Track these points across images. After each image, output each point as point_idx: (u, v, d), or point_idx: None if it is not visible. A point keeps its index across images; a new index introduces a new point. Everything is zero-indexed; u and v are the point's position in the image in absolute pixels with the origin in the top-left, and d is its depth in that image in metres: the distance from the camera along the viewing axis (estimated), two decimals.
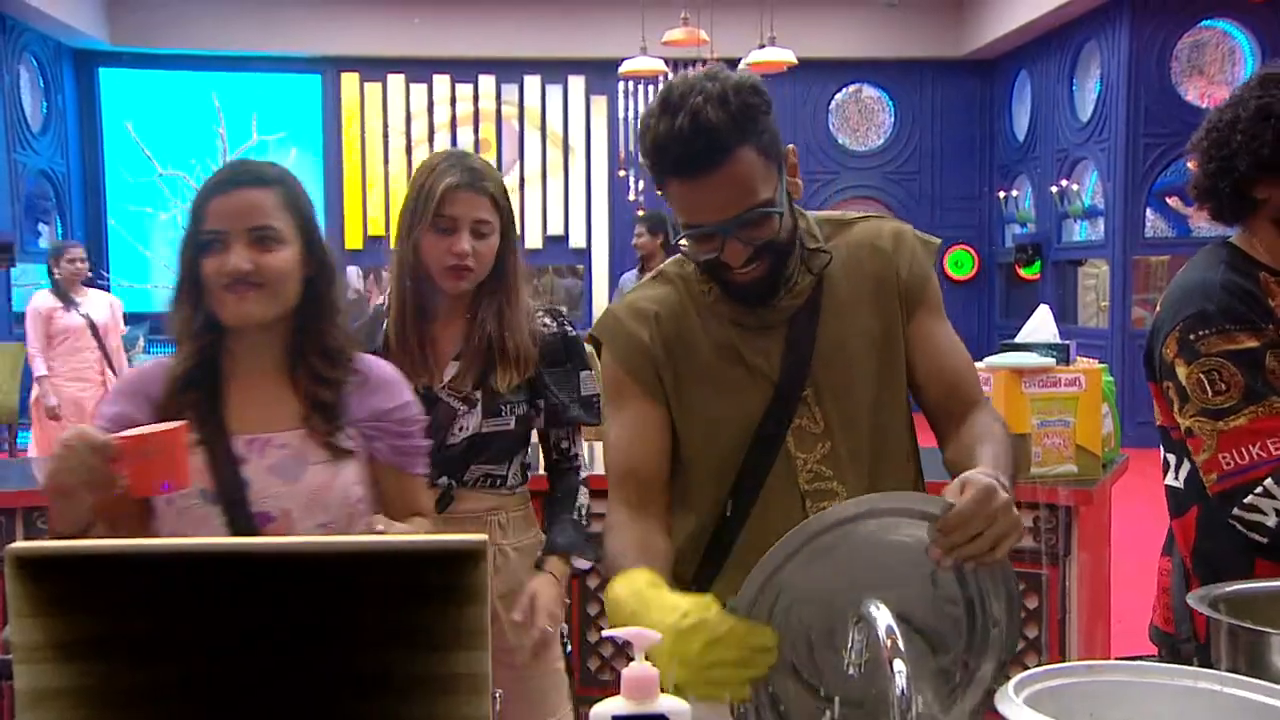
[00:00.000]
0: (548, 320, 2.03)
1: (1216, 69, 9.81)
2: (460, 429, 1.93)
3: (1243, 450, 1.56)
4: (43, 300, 6.44)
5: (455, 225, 1.90)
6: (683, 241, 1.46)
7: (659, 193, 1.48)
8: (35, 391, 6.39)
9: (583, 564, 2.01)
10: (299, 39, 11.59)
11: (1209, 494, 1.61)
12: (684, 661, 1.12)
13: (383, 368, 1.67)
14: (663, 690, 0.90)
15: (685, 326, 1.54)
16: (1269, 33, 9.42)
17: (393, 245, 2.00)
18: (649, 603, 1.23)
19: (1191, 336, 1.62)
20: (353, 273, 12.09)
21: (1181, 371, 1.63)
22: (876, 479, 1.54)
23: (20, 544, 0.79)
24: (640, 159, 1.46)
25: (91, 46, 11.35)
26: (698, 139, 1.35)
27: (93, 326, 6.44)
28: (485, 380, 1.93)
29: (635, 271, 5.99)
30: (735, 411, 1.52)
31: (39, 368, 6.29)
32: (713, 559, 1.55)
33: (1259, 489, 1.55)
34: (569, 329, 2.04)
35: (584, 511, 2.04)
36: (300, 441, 1.57)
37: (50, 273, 6.43)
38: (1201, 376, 1.60)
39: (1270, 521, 1.54)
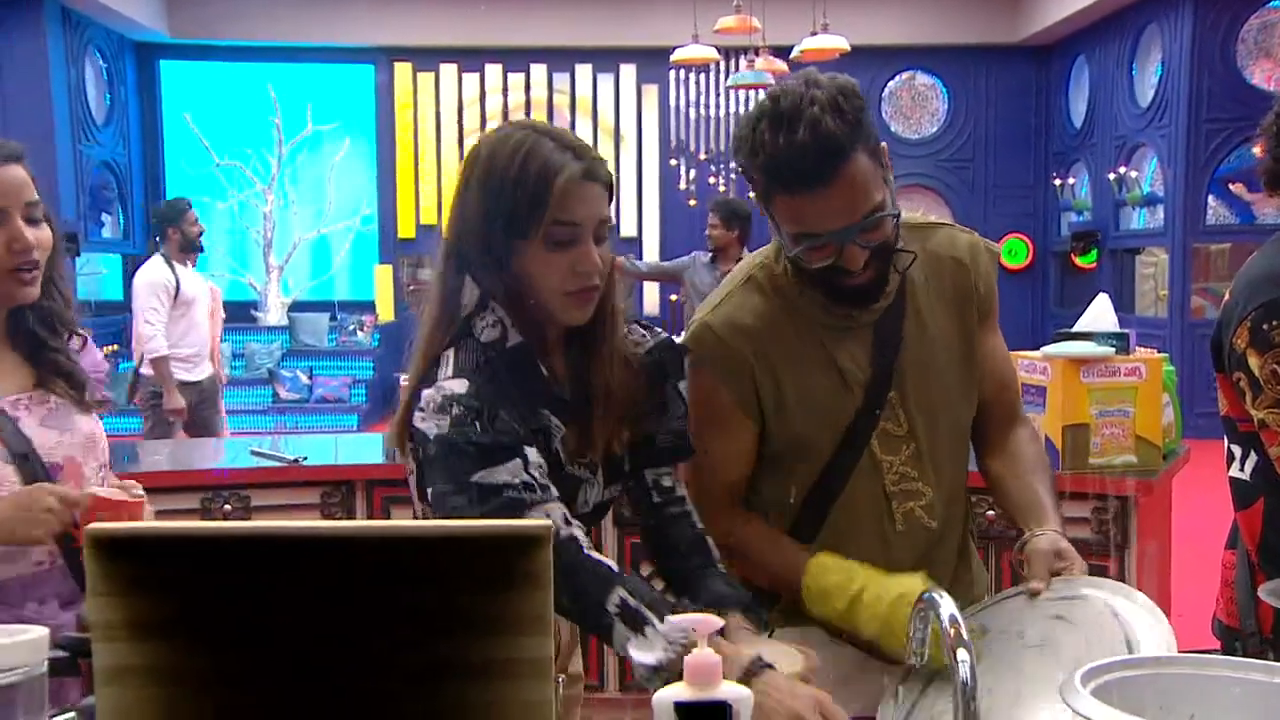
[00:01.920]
0: (642, 334, 1.52)
1: None
2: (584, 502, 1.46)
3: None
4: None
5: (578, 234, 1.35)
6: (796, 253, 1.45)
7: (754, 199, 1.47)
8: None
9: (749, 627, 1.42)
10: (353, 29, 11.69)
11: None
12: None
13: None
14: None
15: (782, 335, 1.53)
16: None
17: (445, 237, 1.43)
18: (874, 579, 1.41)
19: (1265, 326, 1.59)
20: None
21: (1254, 362, 1.60)
22: (953, 480, 1.60)
23: (98, 524, 0.81)
24: (750, 175, 1.43)
25: (152, 39, 11.53)
26: (819, 149, 1.33)
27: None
28: (612, 438, 1.46)
29: (709, 258, 5.86)
30: (826, 416, 1.53)
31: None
32: None
33: None
34: (660, 338, 1.53)
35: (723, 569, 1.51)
36: (56, 397, 1.66)
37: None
38: (1276, 367, 1.57)
39: None
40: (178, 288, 5.32)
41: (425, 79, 12.19)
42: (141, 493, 1.62)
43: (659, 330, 1.54)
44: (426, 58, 12.07)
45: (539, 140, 1.34)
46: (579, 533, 1.29)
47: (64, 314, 1.68)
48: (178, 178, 12.00)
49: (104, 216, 11.31)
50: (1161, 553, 3.08)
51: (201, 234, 5.49)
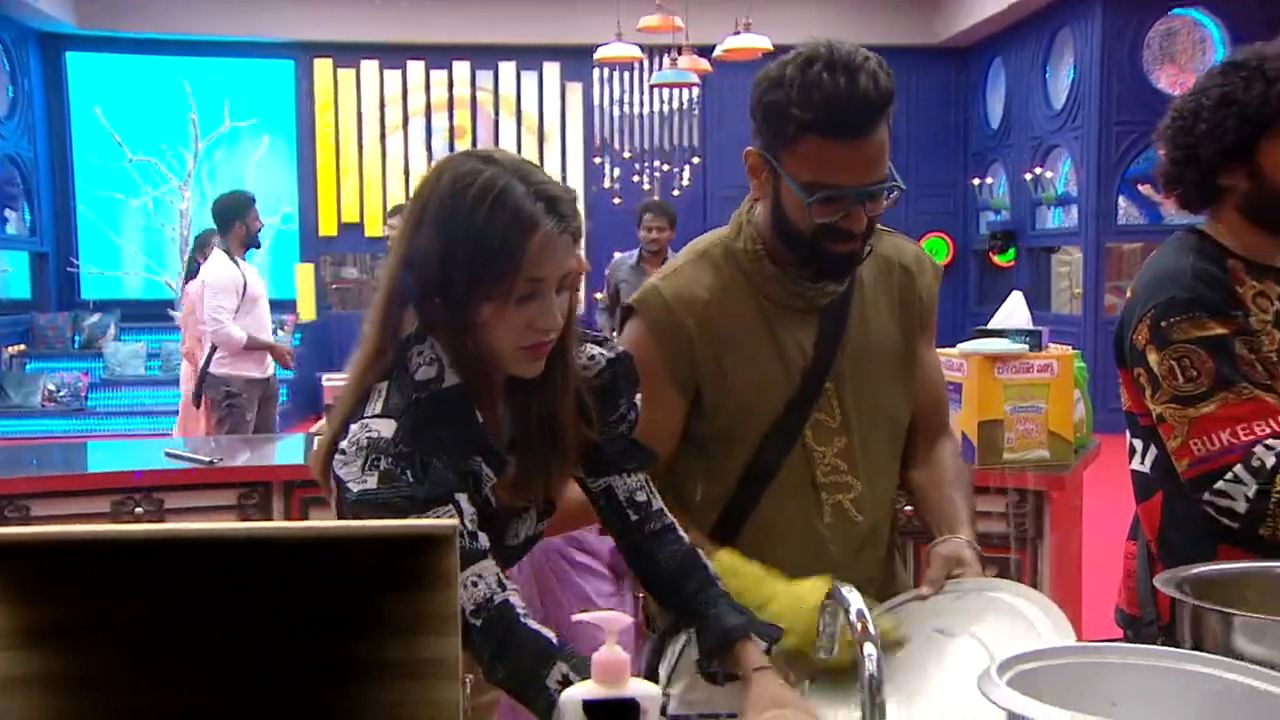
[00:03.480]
0: (593, 355, 1.41)
1: (1187, 57, 9.87)
2: (515, 535, 1.41)
3: (1214, 437, 1.57)
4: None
5: (542, 289, 1.26)
6: (811, 201, 1.42)
7: (760, 150, 1.45)
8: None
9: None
10: (271, 24, 11.48)
11: (1181, 480, 1.63)
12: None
13: None
14: None
15: (730, 312, 1.54)
16: (1238, 21, 9.48)
17: (390, 273, 1.31)
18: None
19: (1163, 323, 1.63)
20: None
21: (1153, 358, 1.64)
22: (885, 480, 1.62)
23: None
24: (783, 113, 1.40)
25: (58, 30, 11.19)
26: (877, 99, 1.37)
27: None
28: (550, 479, 1.39)
29: (634, 259, 5.92)
30: (762, 397, 1.54)
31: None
32: (720, 540, 1.56)
33: (1229, 475, 1.56)
34: (616, 351, 1.44)
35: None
36: None
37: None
38: (1173, 363, 1.61)
39: (1240, 507, 1.55)
40: (245, 284, 5.22)
41: (346, 75, 12.02)
42: None
43: (609, 340, 1.45)
44: (347, 54, 11.90)
45: (509, 184, 1.22)
46: (515, 598, 1.21)
47: None
48: (88, 173, 11.66)
49: (8, 213, 10.95)
50: (1073, 545, 3.15)
51: (261, 229, 5.42)
